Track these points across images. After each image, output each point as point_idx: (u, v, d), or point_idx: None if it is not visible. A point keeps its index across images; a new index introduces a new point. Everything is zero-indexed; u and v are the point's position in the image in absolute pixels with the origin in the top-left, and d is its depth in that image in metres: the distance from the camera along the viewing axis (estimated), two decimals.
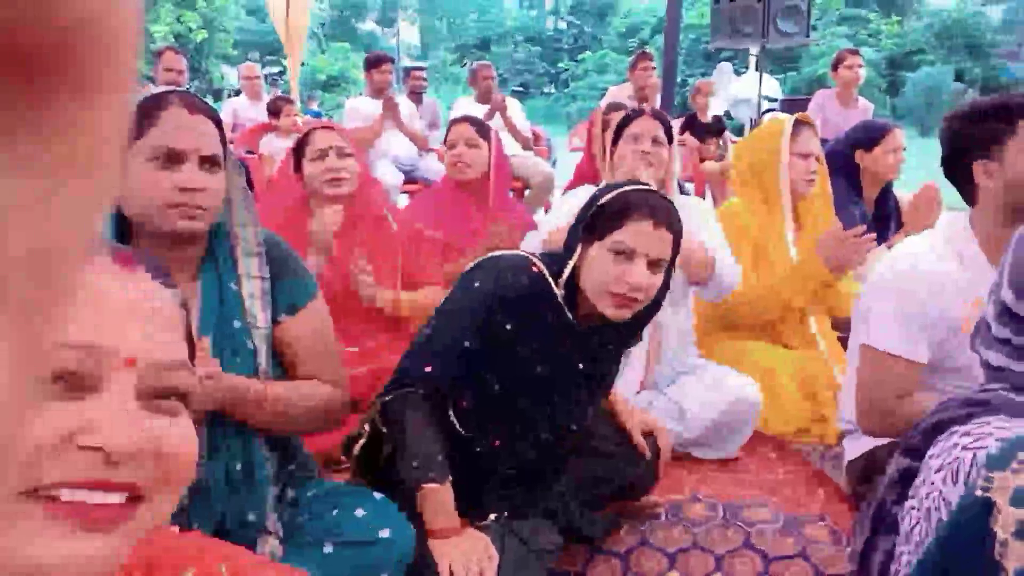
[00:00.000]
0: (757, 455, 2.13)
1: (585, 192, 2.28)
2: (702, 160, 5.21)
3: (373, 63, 4.99)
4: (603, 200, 1.41)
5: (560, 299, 1.42)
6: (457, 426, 1.44)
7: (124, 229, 1.20)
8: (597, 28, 30.40)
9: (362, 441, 1.51)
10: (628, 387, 2.09)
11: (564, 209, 2.27)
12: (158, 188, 1.15)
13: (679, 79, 8.83)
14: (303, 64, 9.27)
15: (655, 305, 1.44)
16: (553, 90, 29.74)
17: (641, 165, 2.08)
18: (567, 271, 1.41)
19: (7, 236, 0.13)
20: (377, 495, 1.36)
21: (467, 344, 1.38)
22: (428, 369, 1.38)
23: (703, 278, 2.08)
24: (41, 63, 0.13)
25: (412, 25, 35.00)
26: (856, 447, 1.79)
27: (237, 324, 1.25)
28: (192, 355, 0.51)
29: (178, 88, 1.25)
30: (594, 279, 1.38)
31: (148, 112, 1.16)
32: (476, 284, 1.41)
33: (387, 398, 1.41)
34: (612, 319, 1.39)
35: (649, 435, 1.69)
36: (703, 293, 2.19)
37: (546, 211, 4.44)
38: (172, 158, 1.15)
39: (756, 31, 5.10)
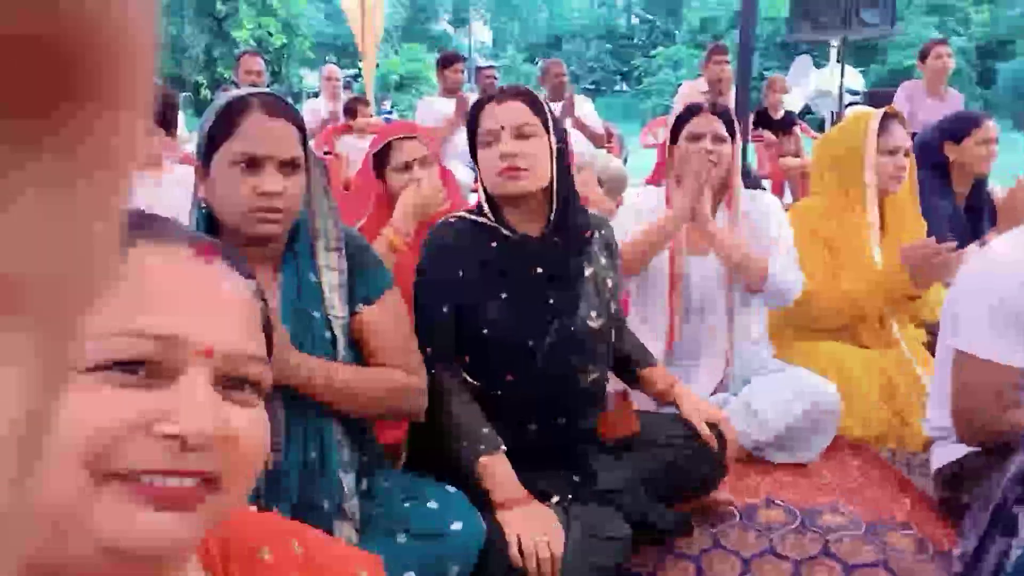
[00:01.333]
0: (834, 459, 2.06)
1: (648, 194, 2.23)
2: (780, 156, 5.07)
3: (446, 62, 5.04)
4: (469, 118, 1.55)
5: (491, 222, 1.51)
6: (471, 380, 1.50)
7: (214, 227, 1.25)
8: (670, 23, 29.94)
9: (402, 461, 1.61)
10: (702, 389, 2.06)
11: (634, 203, 2.22)
12: (239, 193, 1.21)
13: (756, 73, 8.60)
14: (377, 66, 9.48)
15: (562, 174, 1.49)
16: (626, 87, 29.44)
17: (705, 166, 2.01)
18: (481, 194, 1.53)
19: (25, 248, 0.14)
20: (450, 488, 1.38)
21: (444, 310, 1.48)
22: (429, 351, 1.45)
23: (756, 286, 2.05)
24: (52, 73, 0.13)
25: (484, 25, 35.23)
26: (946, 454, 1.71)
27: (316, 314, 1.29)
28: (270, 347, 0.52)
29: (261, 90, 1.30)
30: (485, 175, 1.50)
31: (230, 118, 1.22)
32: (419, 264, 1.54)
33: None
34: (513, 193, 1.47)
35: (714, 427, 1.66)
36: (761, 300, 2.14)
37: (618, 207, 4.40)
38: (252, 163, 1.21)
39: (837, 22, 4.92)
